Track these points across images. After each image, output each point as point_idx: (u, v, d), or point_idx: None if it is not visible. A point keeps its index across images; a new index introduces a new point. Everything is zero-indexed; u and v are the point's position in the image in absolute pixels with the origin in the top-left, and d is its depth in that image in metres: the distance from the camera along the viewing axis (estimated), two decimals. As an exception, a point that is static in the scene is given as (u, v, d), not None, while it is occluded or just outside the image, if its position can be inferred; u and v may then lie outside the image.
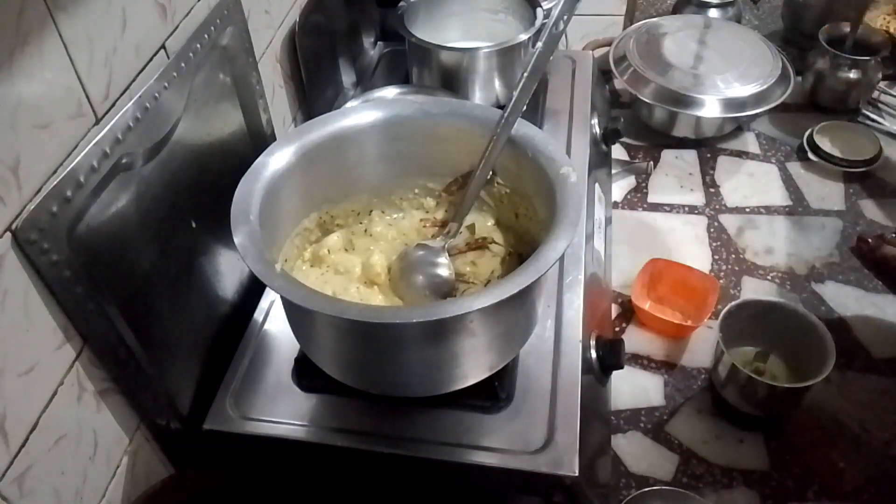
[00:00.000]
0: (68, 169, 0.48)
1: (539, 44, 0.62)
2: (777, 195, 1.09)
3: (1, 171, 0.44)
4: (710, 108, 1.09)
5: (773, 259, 0.99)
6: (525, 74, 0.62)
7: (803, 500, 0.74)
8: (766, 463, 0.77)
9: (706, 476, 0.76)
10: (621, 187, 1.11)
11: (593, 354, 0.70)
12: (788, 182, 1.11)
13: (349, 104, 0.88)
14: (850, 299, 0.94)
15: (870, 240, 0.97)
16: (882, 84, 1.21)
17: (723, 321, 0.82)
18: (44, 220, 0.46)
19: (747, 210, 1.07)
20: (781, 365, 0.84)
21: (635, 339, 0.89)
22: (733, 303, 0.83)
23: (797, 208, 1.07)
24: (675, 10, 1.38)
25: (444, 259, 0.64)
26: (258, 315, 0.73)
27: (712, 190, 1.10)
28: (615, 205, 1.07)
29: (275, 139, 0.80)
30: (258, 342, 0.70)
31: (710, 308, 0.88)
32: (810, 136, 1.14)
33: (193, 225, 0.65)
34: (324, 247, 0.66)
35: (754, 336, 0.85)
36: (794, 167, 1.13)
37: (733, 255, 1.00)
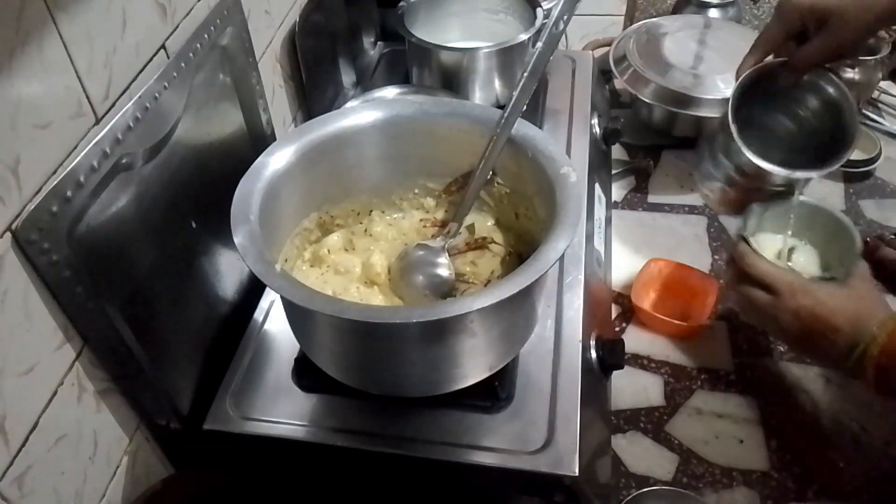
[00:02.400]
0: (68, 169, 0.48)
1: (539, 44, 0.62)
2: (777, 195, 1.09)
3: (1, 171, 0.44)
4: (710, 108, 1.09)
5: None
6: (525, 74, 0.62)
7: (803, 500, 0.74)
8: (766, 463, 0.77)
9: (706, 476, 0.76)
10: (621, 187, 1.11)
11: (593, 354, 0.70)
12: (788, 182, 1.11)
13: (349, 104, 0.88)
14: (850, 299, 0.94)
15: (867, 240, 0.97)
16: (882, 84, 1.21)
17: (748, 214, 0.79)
18: (44, 220, 0.46)
19: (747, 210, 1.07)
20: (814, 254, 0.82)
21: (635, 339, 0.89)
22: (754, 205, 0.80)
23: (797, 208, 1.07)
24: (675, 10, 1.38)
25: (444, 259, 0.64)
26: (258, 315, 0.73)
27: (712, 190, 1.10)
28: (615, 205, 1.07)
29: (275, 139, 0.80)
30: (258, 342, 0.70)
31: (709, 308, 0.88)
32: (810, 135, 1.14)
33: (193, 225, 0.65)
34: (324, 247, 0.66)
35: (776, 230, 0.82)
36: (794, 167, 1.13)
37: (733, 255, 1.00)
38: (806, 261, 0.82)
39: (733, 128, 0.77)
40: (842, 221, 0.79)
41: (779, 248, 0.82)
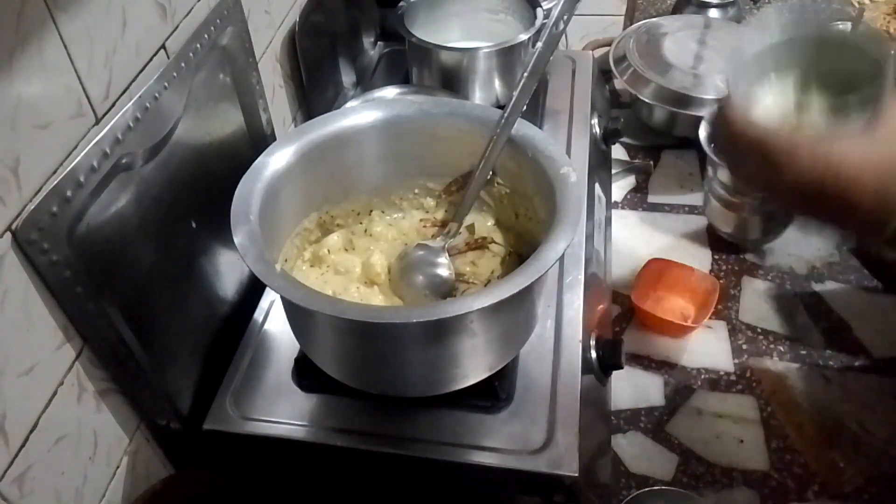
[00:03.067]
0: (68, 169, 0.48)
1: (539, 44, 0.62)
2: (777, 195, 1.09)
3: (1, 171, 0.44)
4: (711, 109, 1.09)
5: (772, 259, 0.99)
6: (525, 74, 0.62)
7: (803, 500, 0.74)
8: (766, 463, 0.77)
9: (706, 476, 0.76)
10: (621, 187, 1.11)
11: (593, 354, 0.70)
12: (788, 182, 1.11)
13: (349, 104, 0.88)
14: (850, 299, 0.94)
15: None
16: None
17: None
18: (44, 220, 0.46)
19: (747, 210, 1.07)
20: (826, 102, 0.57)
21: (635, 339, 0.89)
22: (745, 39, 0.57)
23: (797, 208, 1.07)
24: (675, 10, 1.38)
25: (444, 259, 0.64)
26: (258, 315, 0.73)
27: (712, 190, 1.10)
28: (615, 205, 1.07)
29: (275, 139, 0.80)
30: (258, 342, 0.70)
31: (710, 308, 0.88)
32: (810, 135, 1.13)
33: (193, 225, 0.65)
34: (324, 247, 0.66)
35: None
36: (794, 167, 1.13)
37: (733, 255, 1.00)
38: (817, 111, 0.57)
39: (705, 142, 0.77)
40: (861, 48, 0.54)
41: (781, 101, 0.59)
